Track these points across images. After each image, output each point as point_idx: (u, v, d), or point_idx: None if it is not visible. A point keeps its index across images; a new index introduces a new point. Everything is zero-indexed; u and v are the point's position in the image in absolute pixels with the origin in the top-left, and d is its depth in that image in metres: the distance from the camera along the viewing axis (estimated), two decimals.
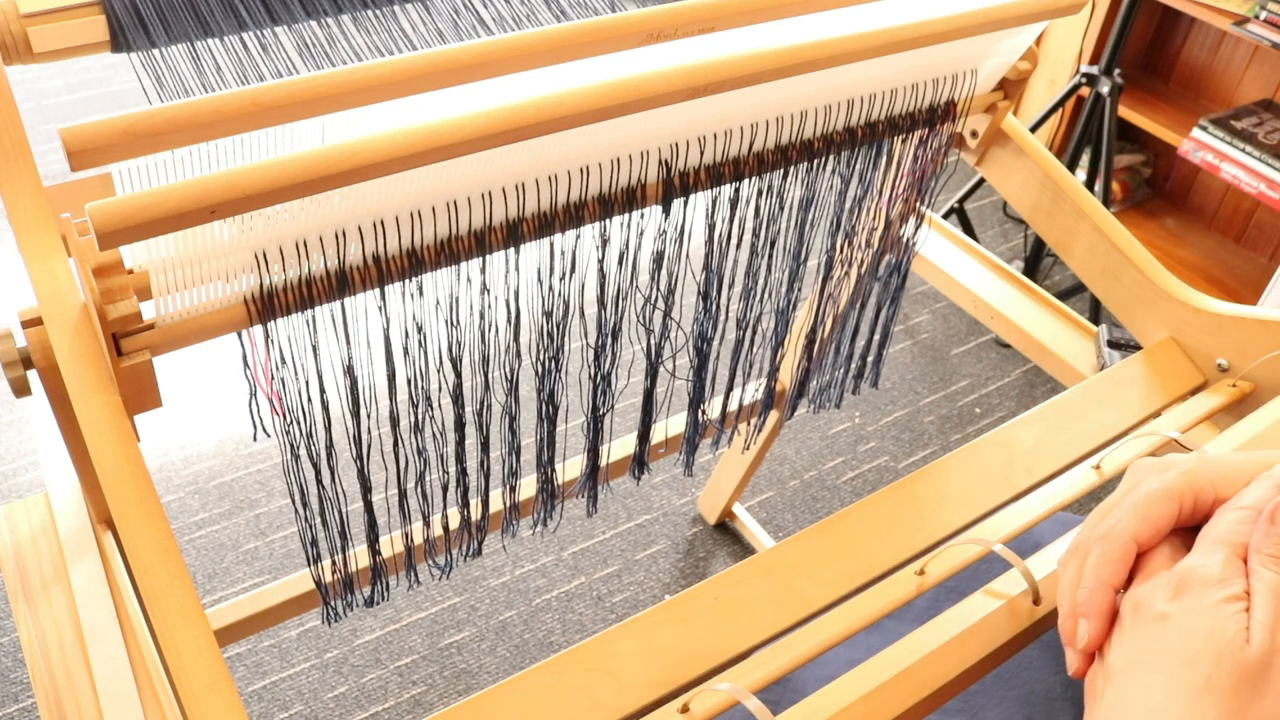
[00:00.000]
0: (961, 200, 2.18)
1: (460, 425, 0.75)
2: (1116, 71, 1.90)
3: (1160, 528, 0.45)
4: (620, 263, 0.72)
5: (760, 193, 0.75)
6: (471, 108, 0.52)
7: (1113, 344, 0.85)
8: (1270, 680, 0.39)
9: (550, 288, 0.70)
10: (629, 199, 0.66)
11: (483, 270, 0.64)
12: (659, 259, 0.74)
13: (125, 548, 0.48)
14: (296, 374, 0.62)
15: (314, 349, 0.61)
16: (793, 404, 1.06)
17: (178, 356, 0.57)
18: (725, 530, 1.66)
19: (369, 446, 0.69)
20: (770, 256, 0.81)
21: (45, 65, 1.31)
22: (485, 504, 0.85)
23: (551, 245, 0.67)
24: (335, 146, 0.49)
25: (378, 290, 0.60)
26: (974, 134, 0.86)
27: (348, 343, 0.63)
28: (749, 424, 1.11)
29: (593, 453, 0.89)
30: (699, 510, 1.67)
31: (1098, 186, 1.97)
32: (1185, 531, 0.46)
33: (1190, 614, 0.41)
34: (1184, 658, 0.40)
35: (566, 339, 0.74)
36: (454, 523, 0.86)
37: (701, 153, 0.68)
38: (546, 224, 0.64)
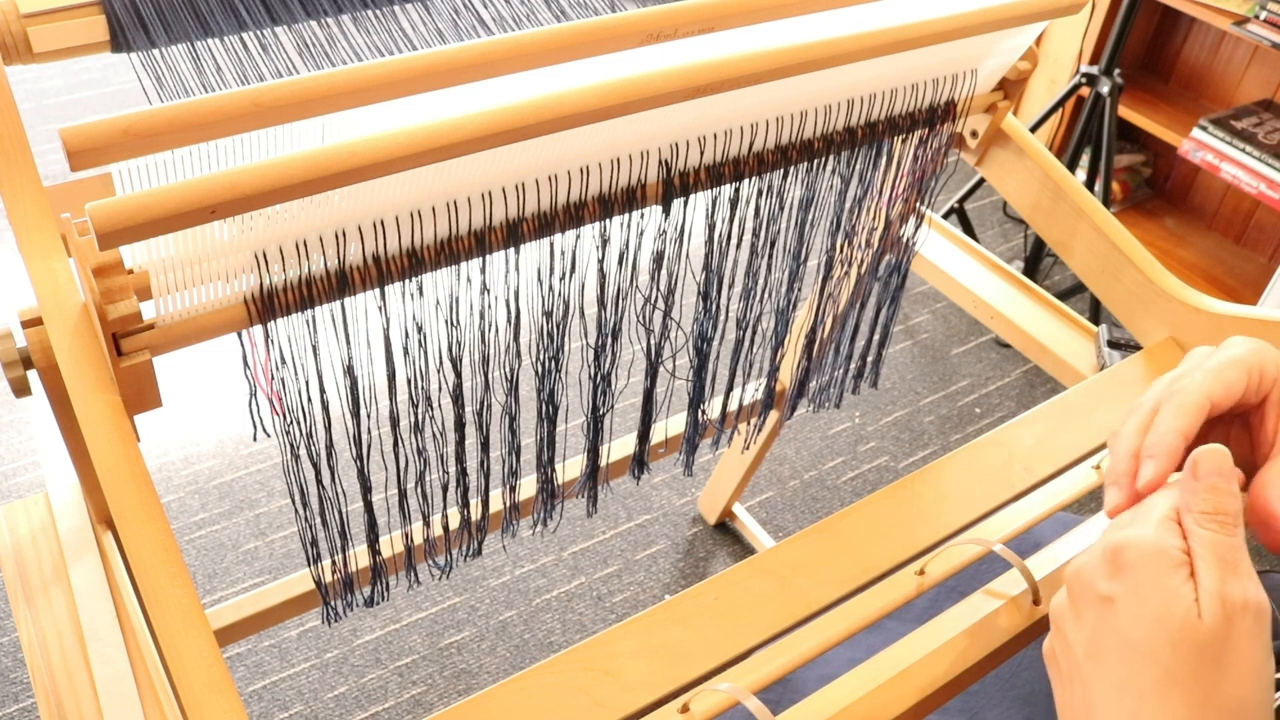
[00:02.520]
0: (961, 200, 2.18)
1: (460, 425, 0.75)
2: (1116, 71, 1.90)
3: (1232, 392, 0.45)
4: (620, 263, 0.72)
5: (760, 193, 0.75)
6: (471, 108, 0.52)
7: (1113, 344, 0.85)
8: (1230, 654, 0.38)
9: (550, 288, 0.70)
10: (629, 199, 0.66)
11: (483, 270, 0.64)
12: (659, 259, 0.74)
13: (125, 548, 0.48)
14: (296, 374, 0.62)
15: (314, 349, 0.61)
16: (793, 404, 1.06)
17: (178, 356, 0.57)
18: (725, 530, 1.66)
19: (369, 446, 0.69)
20: (770, 256, 0.81)
21: (45, 65, 1.31)
22: (485, 504, 0.85)
23: (551, 245, 0.67)
24: (335, 146, 0.49)
25: (378, 290, 0.60)
26: (974, 134, 0.86)
27: (348, 343, 0.63)
28: (749, 424, 1.11)
29: (593, 453, 0.89)
30: (699, 510, 1.67)
31: (1098, 186, 1.97)
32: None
33: (1135, 597, 0.40)
34: (1142, 650, 0.39)
35: (566, 339, 0.74)
36: (454, 523, 0.86)
37: (701, 153, 0.68)
38: (546, 224, 0.64)
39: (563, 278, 0.70)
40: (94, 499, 0.64)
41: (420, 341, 0.67)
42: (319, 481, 0.70)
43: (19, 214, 0.54)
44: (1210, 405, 0.44)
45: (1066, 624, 0.43)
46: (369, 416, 0.68)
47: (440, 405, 0.71)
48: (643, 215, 0.68)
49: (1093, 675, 0.41)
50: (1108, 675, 0.40)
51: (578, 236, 0.67)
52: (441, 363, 0.69)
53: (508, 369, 0.73)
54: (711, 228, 0.75)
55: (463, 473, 0.80)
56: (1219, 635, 0.38)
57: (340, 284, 0.58)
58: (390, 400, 0.69)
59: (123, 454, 0.50)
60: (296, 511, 0.71)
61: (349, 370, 0.65)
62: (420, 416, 0.72)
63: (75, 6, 0.56)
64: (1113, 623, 0.40)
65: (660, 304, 0.77)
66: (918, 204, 0.87)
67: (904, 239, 0.90)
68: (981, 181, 2.18)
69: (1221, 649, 0.38)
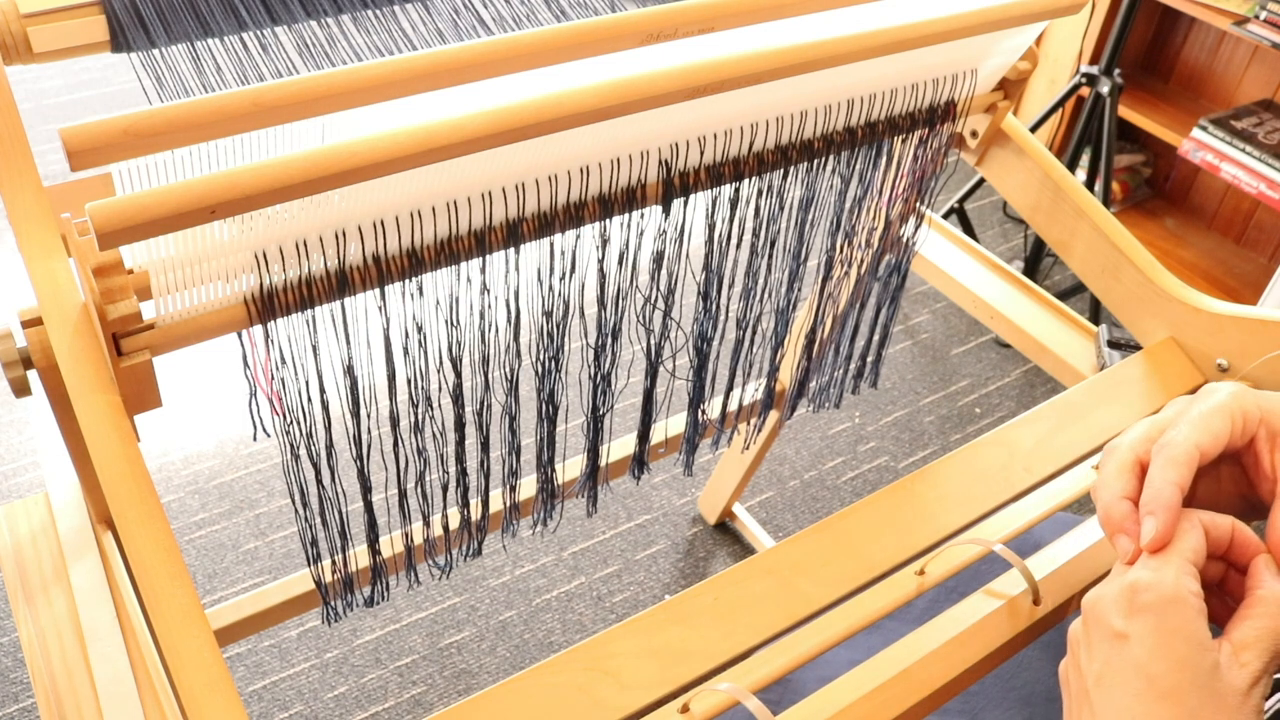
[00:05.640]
0: (961, 200, 2.18)
1: (460, 425, 0.75)
2: (1116, 71, 1.90)
3: (1219, 440, 0.46)
4: (620, 263, 0.72)
5: (760, 193, 0.75)
6: (471, 108, 0.52)
7: (1113, 344, 0.85)
8: (1248, 706, 0.40)
9: (550, 288, 0.70)
10: (629, 199, 0.66)
11: (483, 270, 0.64)
12: (659, 259, 0.74)
13: (125, 548, 0.48)
14: (296, 374, 0.62)
15: (314, 349, 0.61)
16: (792, 404, 1.06)
17: (178, 356, 0.57)
18: (725, 530, 1.66)
19: (369, 446, 0.69)
20: (770, 256, 0.81)
21: (45, 65, 1.31)
22: (485, 504, 0.85)
23: (551, 245, 0.67)
24: (335, 146, 0.49)
25: (378, 290, 0.60)
26: (974, 134, 0.86)
27: (348, 343, 0.63)
28: (749, 424, 1.11)
29: (593, 453, 0.89)
30: (699, 510, 1.67)
31: (1098, 186, 1.97)
32: None
33: (1155, 637, 0.41)
34: (1162, 686, 0.40)
35: (566, 339, 0.74)
36: (454, 523, 0.86)
37: (701, 153, 0.68)
38: (546, 224, 0.64)
39: (563, 278, 0.70)
40: (94, 499, 0.64)
41: (420, 341, 0.67)
42: (319, 481, 0.70)
43: (19, 214, 0.54)
44: (1200, 455, 0.46)
45: (1080, 652, 0.45)
46: (369, 416, 0.68)
47: (440, 405, 0.71)
48: (643, 215, 0.68)
49: (1100, 702, 0.42)
50: (1115, 704, 0.42)
51: (578, 236, 0.67)
52: (441, 363, 0.69)
53: (508, 369, 0.73)
54: (711, 228, 0.75)
55: (463, 473, 0.80)
56: (1244, 695, 0.41)
57: (340, 284, 0.58)
58: (390, 400, 0.69)
59: (123, 454, 0.50)
60: (296, 511, 0.71)
61: (349, 370, 0.65)
62: (420, 416, 0.72)
63: (75, 6, 0.56)
64: (1127, 657, 0.42)
65: (660, 304, 0.77)
66: (918, 204, 0.87)
67: (904, 239, 0.90)
68: (981, 181, 2.18)
69: (1243, 702, 0.41)
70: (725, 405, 0.95)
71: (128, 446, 0.50)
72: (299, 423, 0.65)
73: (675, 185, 0.67)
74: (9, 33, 0.54)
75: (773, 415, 1.32)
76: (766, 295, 0.85)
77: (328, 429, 0.66)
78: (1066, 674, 0.46)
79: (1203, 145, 2.01)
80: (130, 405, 0.54)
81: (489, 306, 0.67)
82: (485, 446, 0.79)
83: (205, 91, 0.57)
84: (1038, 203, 0.85)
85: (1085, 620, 0.45)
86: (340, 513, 0.74)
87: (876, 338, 0.99)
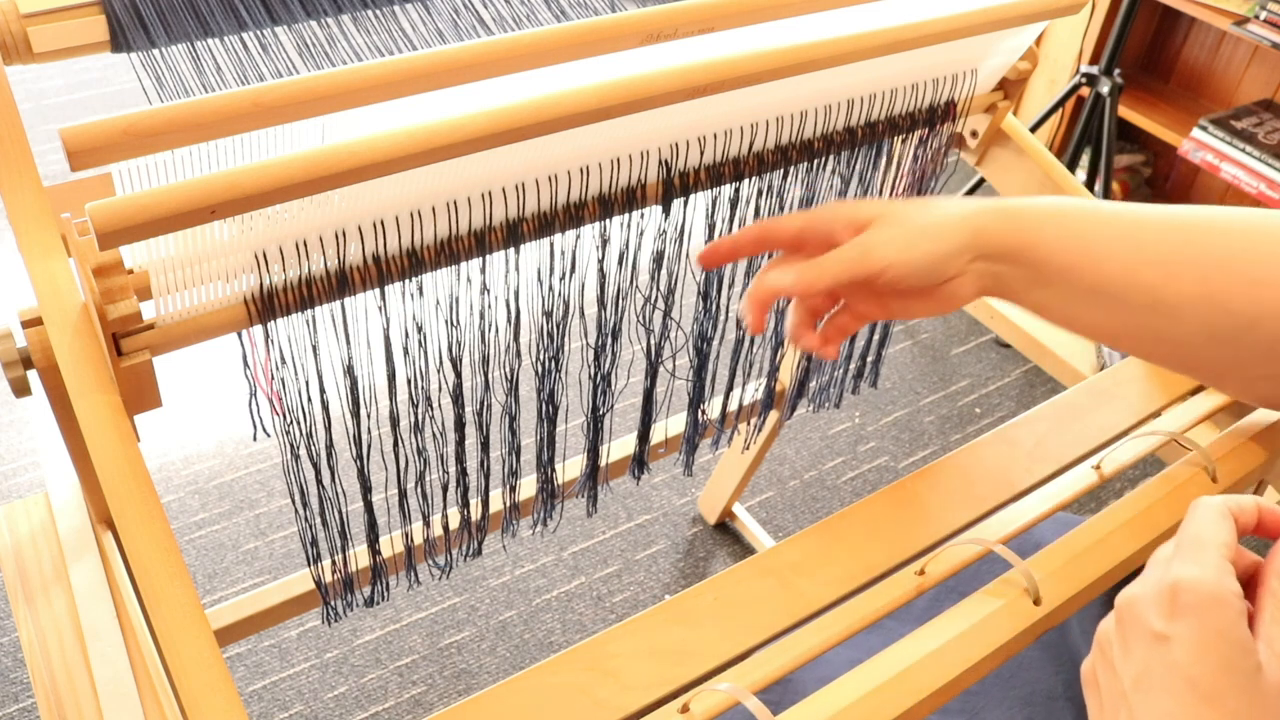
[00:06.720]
0: None
1: (460, 425, 0.75)
2: (1116, 71, 1.90)
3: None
4: (620, 263, 0.72)
5: (760, 193, 0.75)
6: (471, 108, 0.52)
7: None
8: None
9: (550, 288, 0.70)
10: (629, 199, 0.66)
11: (483, 270, 0.64)
12: (659, 259, 0.74)
13: (125, 548, 0.48)
14: (296, 374, 0.62)
15: (314, 349, 0.61)
16: (792, 404, 1.06)
17: (178, 356, 0.57)
18: (725, 530, 1.66)
19: (369, 446, 0.69)
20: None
21: (45, 65, 1.31)
22: (485, 504, 0.85)
23: (551, 245, 0.67)
24: (335, 146, 0.49)
25: (378, 290, 0.60)
26: (974, 134, 0.86)
27: (348, 343, 0.63)
28: (749, 424, 1.11)
29: (593, 453, 0.89)
30: (699, 510, 1.67)
31: (1098, 186, 1.97)
32: None
33: (1197, 640, 0.40)
34: (1204, 689, 0.40)
35: (566, 339, 0.74)
36: (454, 523, 0.86)
37: (701, 153, 0.68)
38: (546, 224, 0.64)
39: (563, 278, 0.70)
40: (94, 499, 0.64)
41: (420, 341, 0.67)
42: (319, 481, 0.70)
43: (19, 214, 0.54)
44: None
45: (1114, 653, 0.44)
46: (369, 416, 0.68)
47: (440, 405, 0.71)
48: (643, 215, 0.68)
49: (1140, 706, 0.42)
50: (1156, 707, 0.41)
51: (578, 236, 0.67)
52: (441, 363, 0.69)
53: (508, 369, 0.73)
54: (711, 228, 0.75)
55: (463, 473, 0.80)
56: None
57: (340, 284, 0.58)
58: (390, 400, 0.69)
59: (123, 454, 0.50)
60: (296, 511, 0.71)
61: (349, 370, 0.65)
62: (420, 416, 0.72)
63: (75, 6, 0.56)
64: (1168, 660, 0.41)
65: (660, 304, 0.77)
66: None
67: None
68: (981, 181, 2.18)
69: None
70: (725, 405, 0.95)
71: (128, 446, 0.50)
72: (299, 423, 0.65)
73: (675, 185, 0.67)
74: (9, 33, 0.54)
75: (773, 415, 1.32)
76: None
77: (328, 429, 0.66)
78: (1094, 674, 0.45)
79: (1203, 145, 2.01)
80: (130, 405, 0.54)
81: (489, 306, 0.67)
82: (485, 446, 0.79)
83: (205, 91, 0.57)
84: None
85: (1121, 619, 0.44)
86: (340, 513, 0.74)
87: (876, 338, 0.99)
